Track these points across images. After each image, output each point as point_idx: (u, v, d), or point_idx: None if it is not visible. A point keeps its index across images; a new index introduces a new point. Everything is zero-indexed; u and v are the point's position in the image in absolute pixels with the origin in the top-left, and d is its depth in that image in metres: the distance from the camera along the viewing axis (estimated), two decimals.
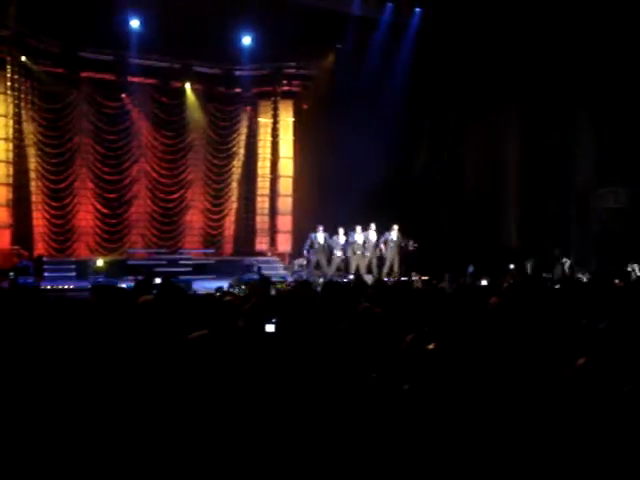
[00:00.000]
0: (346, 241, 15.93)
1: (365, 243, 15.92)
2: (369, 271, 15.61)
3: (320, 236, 15.86)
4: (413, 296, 8.04)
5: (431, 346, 3.83)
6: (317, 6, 15.39)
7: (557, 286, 9.86)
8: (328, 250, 15.96)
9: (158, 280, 8.85)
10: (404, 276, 14.32)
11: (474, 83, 15.96)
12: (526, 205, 15.95)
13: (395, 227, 16.00)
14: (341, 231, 15.98)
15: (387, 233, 16.06)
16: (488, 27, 15.15)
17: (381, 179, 16.54)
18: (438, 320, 5.17)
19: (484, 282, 9.59)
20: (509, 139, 16.15)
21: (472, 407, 3.25)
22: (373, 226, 16.08)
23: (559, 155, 15.36)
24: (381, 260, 16.09)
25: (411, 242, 15.81)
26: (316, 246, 15.82)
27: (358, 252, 15.77)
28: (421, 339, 4.18)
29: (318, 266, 15.90)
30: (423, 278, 12.56)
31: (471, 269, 13.30)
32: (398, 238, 15.98)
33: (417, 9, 16.58)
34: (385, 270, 15.77)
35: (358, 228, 15.91)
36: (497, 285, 9.22)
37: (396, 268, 15.84)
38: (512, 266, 14.37)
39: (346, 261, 16.03)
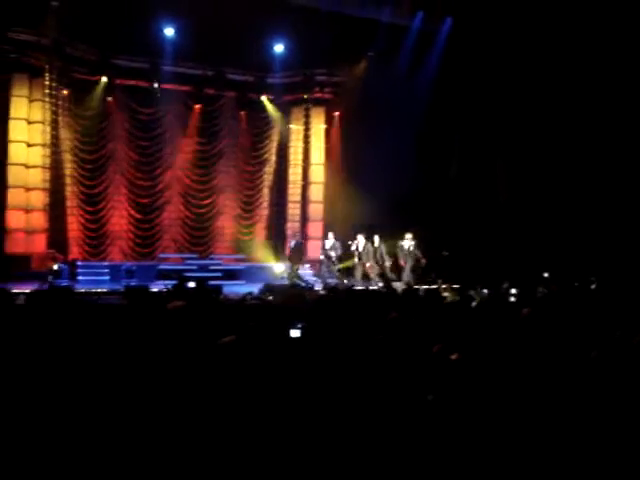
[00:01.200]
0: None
1: (376, 252, 15.87)
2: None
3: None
4: (444, 305, 7.97)
5: (454, 356, 3.80)
6: (348, 13, 15.44)
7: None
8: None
9: (192, 284, 8.94)
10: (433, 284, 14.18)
11: (505, 91, 15.83)
12: (557, 215, 15.74)
13: (408, 235, 15.87)
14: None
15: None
16: (519, 36, 15.03)
17: (412, 186, 16.47)
18: (467, 330, 5.13)
19: (514, 291, 9.41)
20: (541, 148, 15.94)
21: (494, 417, 3.22)
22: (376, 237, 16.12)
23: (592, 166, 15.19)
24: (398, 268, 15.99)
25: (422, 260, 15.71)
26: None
27: (362, 260, 15.66)
28: (448, 349, 4.15)
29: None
30: (453, 286, 12.42)
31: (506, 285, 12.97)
32: (410, 246, 15.79)
33: (448, 18, 16.56)
34: (404, 278, 15.58)
35: (360, 237, 15.90)
36: (530, 295, 9.08)
37: (411, 276, 15.62)
38: (546, 274, 14.11)
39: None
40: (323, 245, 16.32)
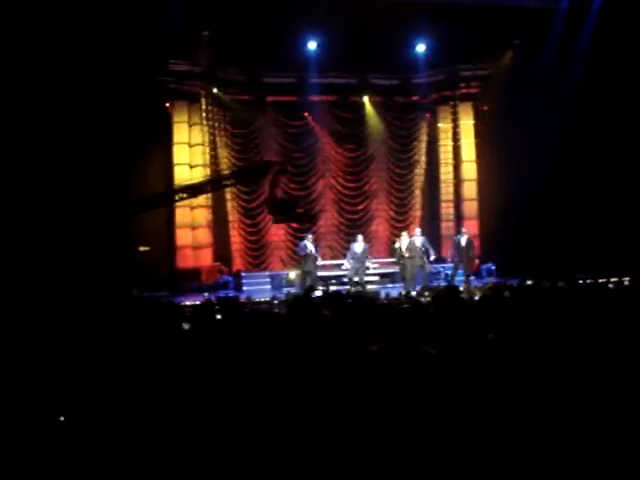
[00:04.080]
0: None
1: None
2: None
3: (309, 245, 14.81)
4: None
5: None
6: (490, 3, 15.03)
7: None
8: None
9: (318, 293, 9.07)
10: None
11: None
12: None
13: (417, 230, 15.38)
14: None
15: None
16: None
17: (565, 178, 15.66)
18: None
19: None
20: None
21: None
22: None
23: None
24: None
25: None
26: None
27: (401, 261, 14.65)
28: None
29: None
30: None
31: None
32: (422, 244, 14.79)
33: None
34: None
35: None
36: None
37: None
38: None
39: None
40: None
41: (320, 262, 15.34)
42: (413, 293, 11.62)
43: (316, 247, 15.16)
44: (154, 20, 13.63)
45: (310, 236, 15.20)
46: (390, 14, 14.42)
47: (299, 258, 15.06)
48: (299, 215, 13.92)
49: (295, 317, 6.94)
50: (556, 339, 4.46)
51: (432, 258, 14.93)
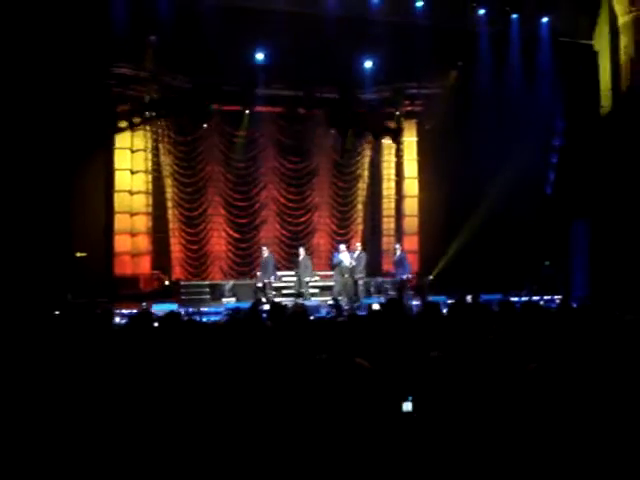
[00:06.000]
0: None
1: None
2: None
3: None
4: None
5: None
6: (437, 25, 15.35)
7: None
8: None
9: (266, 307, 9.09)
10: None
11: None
12: None
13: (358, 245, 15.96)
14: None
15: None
16: None
17: (510, 197, 16.07)
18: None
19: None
20: None
21: None
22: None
23: None
24: None
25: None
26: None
27: (346, 275, 14.83)
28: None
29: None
30: None
31: None
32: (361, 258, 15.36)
33: (544, 18, 16.15)
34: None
35: (342, 246, 15.49)
36: None
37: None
38: None
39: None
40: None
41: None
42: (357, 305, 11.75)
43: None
44: (99, 22, 13.38)
45: (265, 248, 15.33)
46: (339, 29, 14.55)
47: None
48: None
49: (235, 328, 6.89)
50: (495, 356, 4.54)
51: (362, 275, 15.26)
